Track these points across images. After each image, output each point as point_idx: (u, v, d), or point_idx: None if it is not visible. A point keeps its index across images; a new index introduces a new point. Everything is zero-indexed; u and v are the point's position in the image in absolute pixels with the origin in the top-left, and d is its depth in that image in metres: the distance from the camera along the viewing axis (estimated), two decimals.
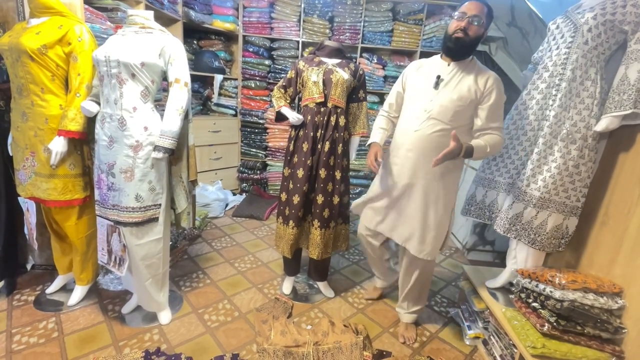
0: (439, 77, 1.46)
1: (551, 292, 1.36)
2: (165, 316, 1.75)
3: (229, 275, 2.25)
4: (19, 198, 1.71)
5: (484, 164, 1.74)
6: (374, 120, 3.76)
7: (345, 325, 1.75)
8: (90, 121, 1.58)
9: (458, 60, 1.46)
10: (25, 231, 1.79)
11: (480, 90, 1.42)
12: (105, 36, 1.88)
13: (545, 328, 1.35)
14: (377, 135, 1.69)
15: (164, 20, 2.88)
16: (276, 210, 2.00)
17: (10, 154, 1.68)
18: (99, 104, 1.53)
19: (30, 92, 1.53)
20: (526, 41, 3.03)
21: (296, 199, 1.81)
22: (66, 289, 1.91)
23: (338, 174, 1.83)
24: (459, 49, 1.42)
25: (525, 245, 1.56)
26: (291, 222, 1.84)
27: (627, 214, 1.39)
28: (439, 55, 1.55)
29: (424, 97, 1.49)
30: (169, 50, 1.49)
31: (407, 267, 1.73)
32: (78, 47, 1.53)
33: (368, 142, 1.70)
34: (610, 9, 1.33)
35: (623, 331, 1.31)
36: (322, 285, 2.11)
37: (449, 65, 1.48)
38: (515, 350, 1.45)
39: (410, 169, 1.54)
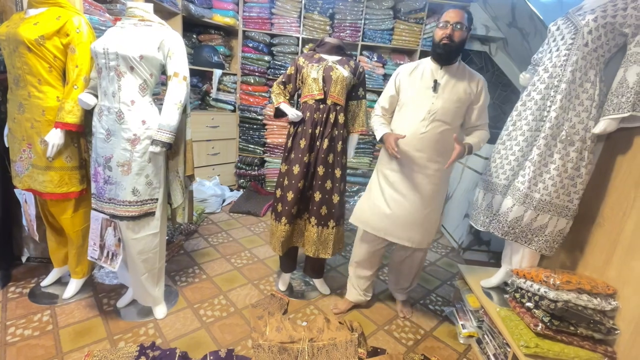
0: (435, 81, 1.57)
1: (545, 292, 1.37)
2: (160, 311, 1.75)
3: (225, 270, 2.25)
4: (15, 190, 1.70)
5: (485, 166, 1.74)
6: None
7: (340, 322, 1.75)
8: (88, 114, 1.56)
9: (448, 65, 1.57)
10: (24, 223, 1.78)
11: (473, 92, 1.57)
12: (103, 28, 1.86)
13: (539, 328, 1.36)
14: (384, 128, 1.70)
15: (164, 14, 2.85)
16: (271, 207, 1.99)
17: (7, 146, 1.67)
18: (96, 96, 1.52)
19: (27, 83, 1.51)
20: (526, 42, 3.03)
21: (290, 195, 1.80)
22: (61, 282, 1.90)
23: (338, 172, 1.82)
24: (448, 55, 1.53)
25: (522, 246, 1.57)
26: (283, 218, 1.83)
27: (622, 216, 1.39)
28: (429, 58, 1.64)
29: (424, 100, 1.58)
30: (168, 44, 1.48)
31: (405, 257, 1.85)
32: (76, 38, 1.52)
33: (379, 137, 1.68)
34: (611, 12, 1.33)
35: (616, 332, 1.33)
36: (318, 282, 2.11)
37: (441, 68, 1.58)
38: (509, 350, 1.46)
39: (419, 169, 1.62)
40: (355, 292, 1.94)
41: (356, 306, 1.98)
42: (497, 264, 1.83)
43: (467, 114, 1.62)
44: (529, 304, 1.45)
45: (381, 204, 1.70)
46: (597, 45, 1.37)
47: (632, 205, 1.36)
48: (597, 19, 1.35)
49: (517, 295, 1.53)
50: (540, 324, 1.37)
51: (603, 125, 1.37)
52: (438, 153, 1.59)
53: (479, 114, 1.61)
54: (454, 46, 1.50)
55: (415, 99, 1.60)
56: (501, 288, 1.77)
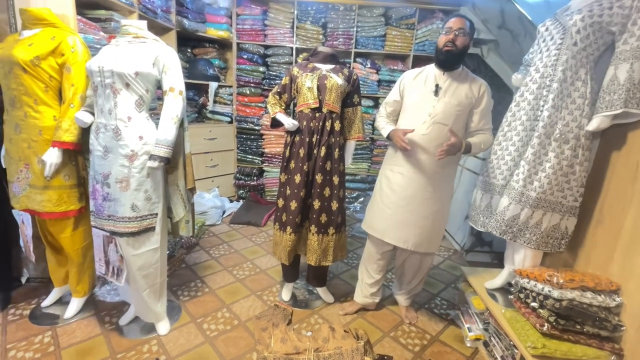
0: (437, 85, 1.62)
1: (550, 291, 1.36)
2: (163, 327, 1.74)
3: (228, 283, 2.23)
4: (13, 211, 1.69)
5: (482, 167, 1.75)
6: (369, 124, 3.78)
7: (345, 331, 1.74)
8: (85, 131, 1.57)
9: (450, 70, 1.62)
10: (21, 244, 1.77)
11: (474, 96, 1.61)
12: (98, 46, 1.88)
13: (545, 328, 1.35)
14: (390, 126, 1.75)
15: (158, 30, 2.88)
16: (273, 217, 1.99)
17: (3, 167, 1.67)
18: (93, 114, 1.52)
19: (24, 104, 1.52)
20: (517, 43, 3.07)
21: (293, 204, 1.80)
22: (62, 301, 1.89)
23: (336, 179, 1.82)
24: (451, 60, 1.59)
25: (522, 245, 1.57)
26: (289, 228, 1.83)
27: (621, 212, 1.40)
28: (433, 64, 1.68)
29: (426, 104, 1.63)
30: (163, 59, 1.49)
31: (411, 262, 1.87)
32: (71, 57, 1.53)
33: (385, 134, 1.73)
34: (597, 11, 1.35)
35: (621, 329, 1.32)
36: (321, 291, 2.10)
37: (444, 74, 1.63)
38: (516, 351, 1.45)
39: (420, 171, 1.66)
40: (363, 294, 1.97)
41: (363, 309, 2.00)
42: (500, 265, 1.83)
43: (469, 119, 1.65)
44: (533, 304, 1.44)
45: (381, 205, 1.77)
46: (586, 44, 1.39)
47: (630, 201, 1.36)
48: (584, 19, 1.37)
49: (522, 295, 1.53)
50: (546, 324, 1.36)
51: (596, 123, 1.38)
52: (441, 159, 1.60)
53: (481, 118, 1.64)
54: (457, 52, 1.55)
55: (417, 102, 1.66)
56: (505, 289, 1.76)
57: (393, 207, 1.72)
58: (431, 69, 1.68)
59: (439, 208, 1.71)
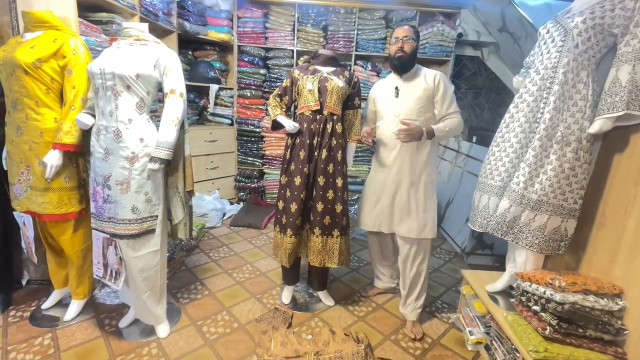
0: (396, 87, 1.80)
1: (552, 294, 1.35)
2: (163, 329, 1.73)
3: (228, 285, 2.23)
4: (14, 213, 1.70)
5: (481, 168, 1.74)
6: None
7: (346, 334, 1.73)
8: (86, 133, 1.57)
9: (406, 72, 1.80)
10: (23, 245, 1.77)
11: (430, 87, 1.75)
12: (100, 49, 1.88)
13: (547, 331, 1.34)
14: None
15: (159, 32, 2.89)
16: (274, 219, 1.99)
17: (5, 169, 1.67)
18: (94, 116, 1.52)
19: (25, 106, 1.53)
20: (517, 45, 3.07)
21: (293, 206, 1.80)
22: (62, 303, 1.88)
23: (340, 181, 1.82)
24: (403, 64, 1.77)
25: (524, 248, 1.56)
26: (289, 230, 1.82)
27: (624, 215, 1.39)
28: (392, 73, 1.88)
29: (390, 105, 1.81)
30: (164, 62, 1.50)
31: (407, 255, 1.86)
32: (73, 60, 1.53)
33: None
34: (599, 13, 1.35)
35: (625, 333, 1.31)
36: (321, 294, 2.09)
37: (401, 77, 1.82)
38: (518, 355, 1.44)
39: (395, 165, 1.79)
40: (380, 280, 2.19)
41: (384, 292, 2.21)
42: (502, 268, 1.82)
43: (435, 108, 1.78)
44: (535, 307, 1.43)
45: (365, 199, 1.96)
46: (588, 46, 1.39)
47: (633, 203, 1.35)
48: (585, 21, 1.37)
49: (523, 298, 1.52)
50: (548, 328, 1.35)
51: (598, 125, 1.38)
52: (411, 150, 1.76)
53: (442, 104, 1.75)
54: (407, 56, 1.74)
55: (384, 107, 1.84)
56: (507, 292, 1.75)
57: (373, 199, 1.89)
58: (391, 76, 1.87)
59: (417, 195, 1.79)
